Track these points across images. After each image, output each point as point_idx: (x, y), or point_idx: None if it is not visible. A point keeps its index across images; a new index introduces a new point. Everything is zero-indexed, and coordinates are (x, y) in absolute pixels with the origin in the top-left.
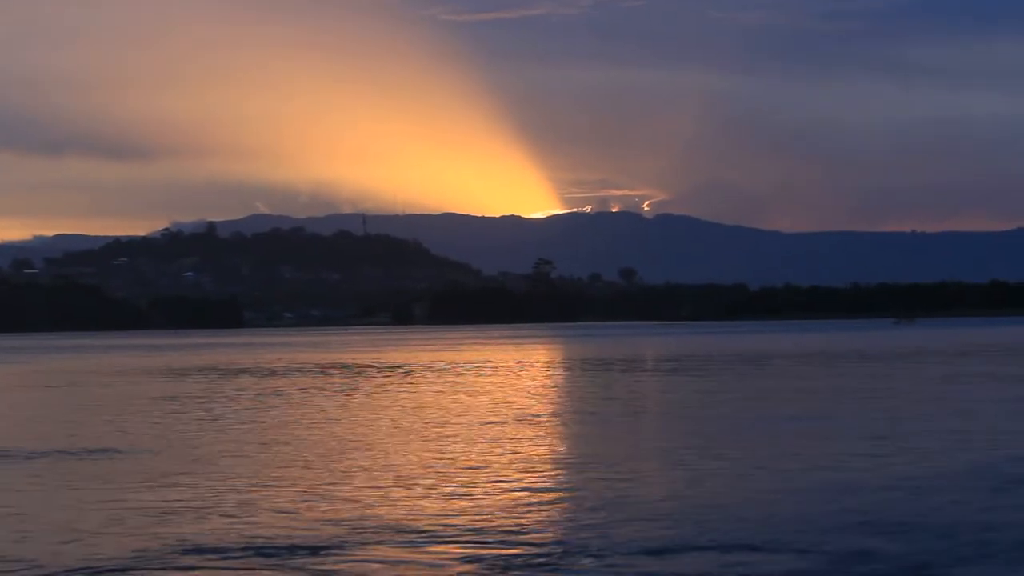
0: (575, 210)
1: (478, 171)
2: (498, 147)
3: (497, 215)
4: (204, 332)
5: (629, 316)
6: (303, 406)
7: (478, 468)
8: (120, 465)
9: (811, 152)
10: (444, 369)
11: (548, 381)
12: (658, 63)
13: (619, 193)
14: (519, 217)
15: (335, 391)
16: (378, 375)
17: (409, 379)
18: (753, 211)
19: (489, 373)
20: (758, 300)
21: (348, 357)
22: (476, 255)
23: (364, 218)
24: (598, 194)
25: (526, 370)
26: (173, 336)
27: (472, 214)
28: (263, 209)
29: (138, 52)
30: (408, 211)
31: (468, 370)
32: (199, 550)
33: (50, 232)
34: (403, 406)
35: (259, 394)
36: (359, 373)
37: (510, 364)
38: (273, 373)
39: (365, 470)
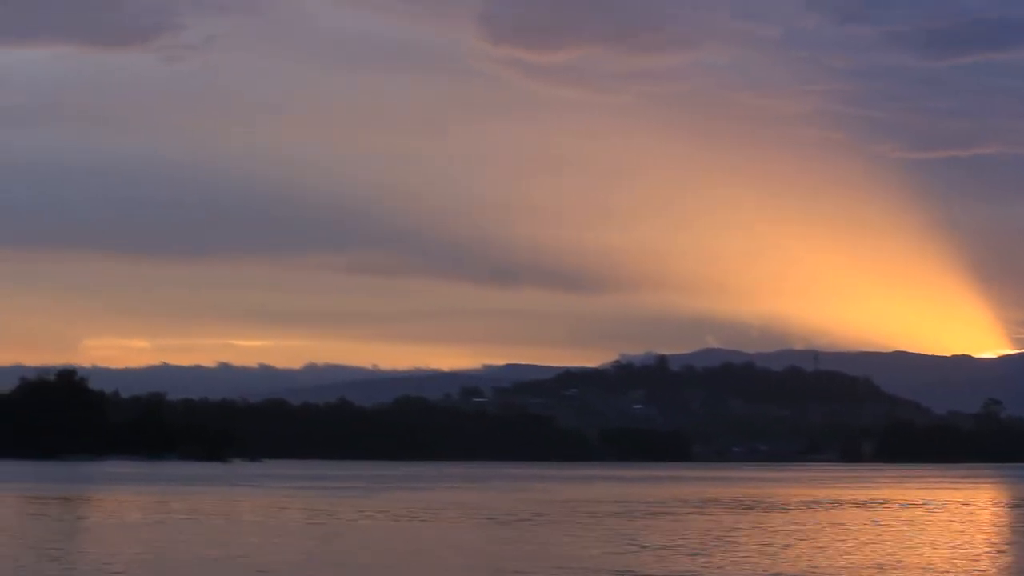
0: None
1: (928, 309)
2: (949, 285)
3: (947, 354)
4: (656, 465)
5: None
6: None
7: None
8: None
9: None
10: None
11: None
12: None
13: None
14: (969, 356)
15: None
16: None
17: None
18: None
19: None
20: None
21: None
22: (925, 393)
23: (816, 354)
24: None
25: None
26: (636, 469)
27: (922, 352)
28: (713, 343)
29: (591, 186)
30: (859, 348)
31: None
32: None
33: (500, 361)
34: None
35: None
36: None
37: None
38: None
39: None
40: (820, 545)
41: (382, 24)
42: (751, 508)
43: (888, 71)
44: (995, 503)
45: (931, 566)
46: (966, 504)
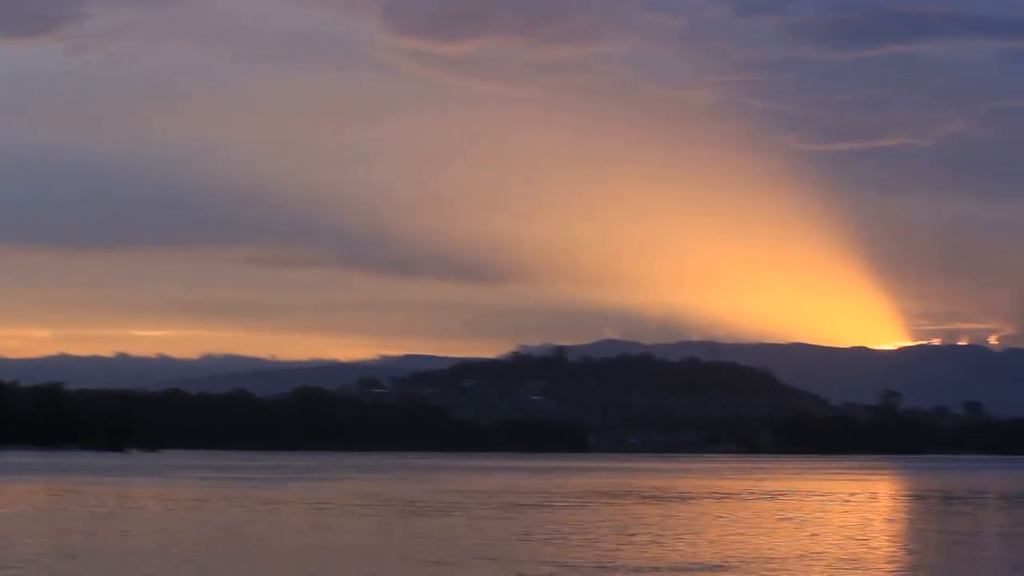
0: (923, 342)
1: (827, 301)
2: (848, 277)
3: (845, 346)
4: (554, 456)
5: (974, 450)
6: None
7: None
8: None
9: None
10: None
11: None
12: (1008, 197)
13: (967, 326)
14: (867, 348)
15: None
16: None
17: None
18: None
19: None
20: None
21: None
22: (823, 385)
23: (714, 346)
24: (946, 327)
25: (867, 503)
26: (535, 459)
27: (820, 344)
28: (611, 334)
29: (491, 178)
30: (757, 340)
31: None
32: None
33: (397, 352)
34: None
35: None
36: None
37: (846, 495)
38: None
39: None
40: (721, 535)
41: (287, 15)
42: (658, 499)
43: (793, 63)
44: (893, 495)
45: (827, 556)
46: (863, 495)
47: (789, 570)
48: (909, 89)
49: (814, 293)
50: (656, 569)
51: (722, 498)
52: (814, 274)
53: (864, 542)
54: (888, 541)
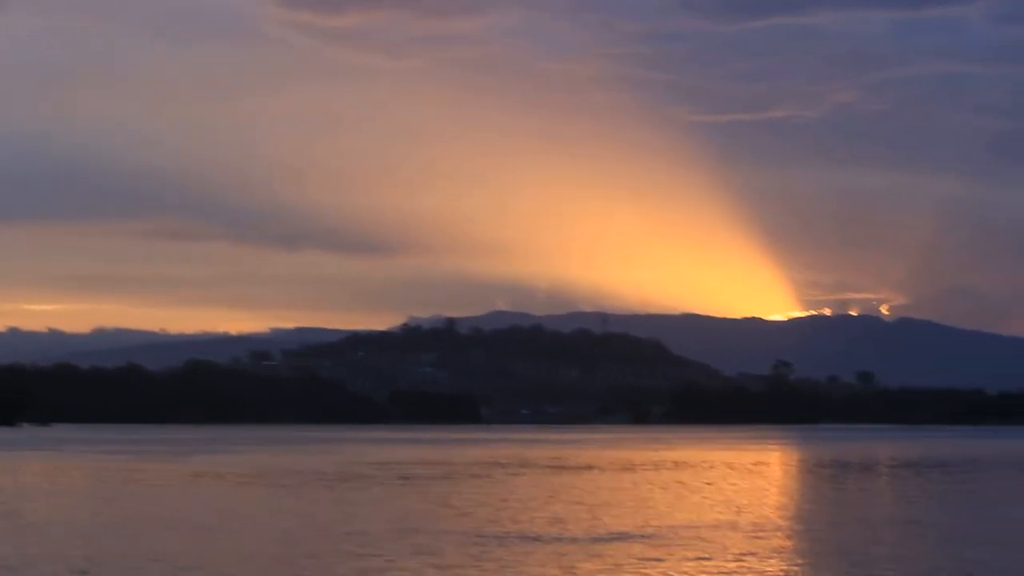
0: (814, 312)
1: (718, 272)
2: (739, 248)
3: (737, 316)
4: (447, 427)
5: (866, 419)
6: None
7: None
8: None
9: None
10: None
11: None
12: (898, 166)
13: (859, 296)
14: (759, 319)
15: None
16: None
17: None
18: (992, 315)
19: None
20: (997, 406)
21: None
22: (715, 356)
23: (605, 317)
24: (838, 297)
25: (758, 471)
26: (428, 431)
27: (712, 315)
28: (502, 306)
29: (381, 150)
30: (648, 311)
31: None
32: None
33: (288, 325)
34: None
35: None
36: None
37: (742, 465)
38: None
39: None
40: (638, 506)
41: None
42: (565, 470)
43: (682, 35)
44: (791, 464)
45: (740, 524)
46: (767, 464)
47: (706, 539)
48: (799, 60)
49: (705, 264)
50: (577, 540)
51: (629, 469)
52: (705, 245)
53: (773, 509)
54: (791, 508)
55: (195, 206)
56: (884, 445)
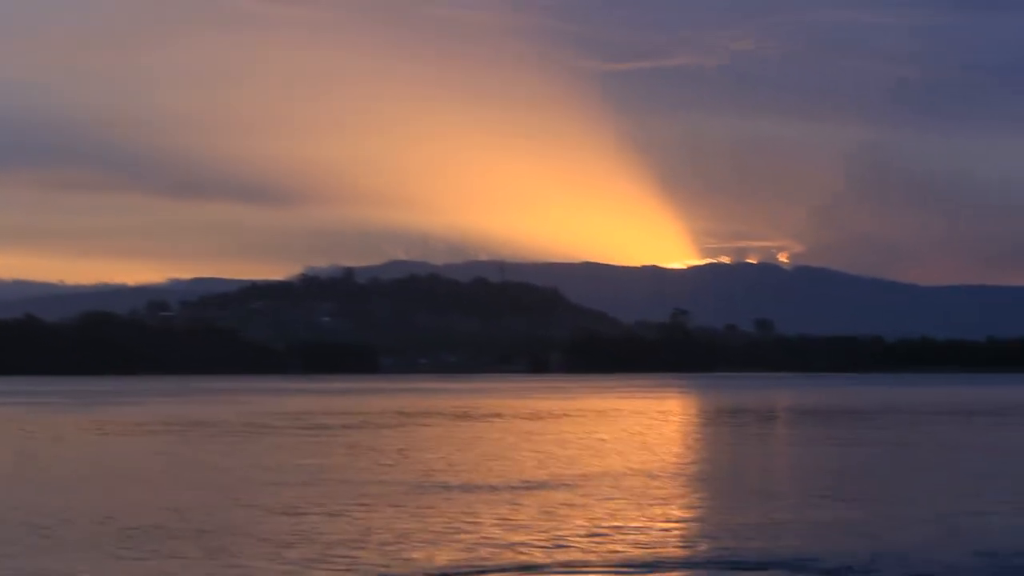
0: (713, 260)
1: (617, 221)
2: (637, 197)
3: (636, 265)
4: (347, 377)
5: (764, 367)
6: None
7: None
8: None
9: (948, 204)
10: (583, 416)
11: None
12: (797, 115)
13: (757, 244)
14: (657, 267)
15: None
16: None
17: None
18: (891, 263)
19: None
20: (894, 353)
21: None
22: (614, 304)
23: (502, 266)
24: (736, 245)
25: (656, 419)
26: (329, 381)
27: (611, 263)
28: (400, 255)
29: (281, 99)
30: (546, 259)
31: (606, 417)
32: None
33: (186, 276)
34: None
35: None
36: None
37: (639, 412)
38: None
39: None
40: (547, 454)
41: None
42: (472, 418)
43: None
44: (693, 411)
45: (621, 471)
46: (670, 412)
47: (624, 486)
48: (698, 8)
49: (603, 213)
50: (499, 489)
51: (539, 418)
52: (604, 194)
53: (677, 455)
54: (694, 454)
55: (93, 157)
56: (782, 392)
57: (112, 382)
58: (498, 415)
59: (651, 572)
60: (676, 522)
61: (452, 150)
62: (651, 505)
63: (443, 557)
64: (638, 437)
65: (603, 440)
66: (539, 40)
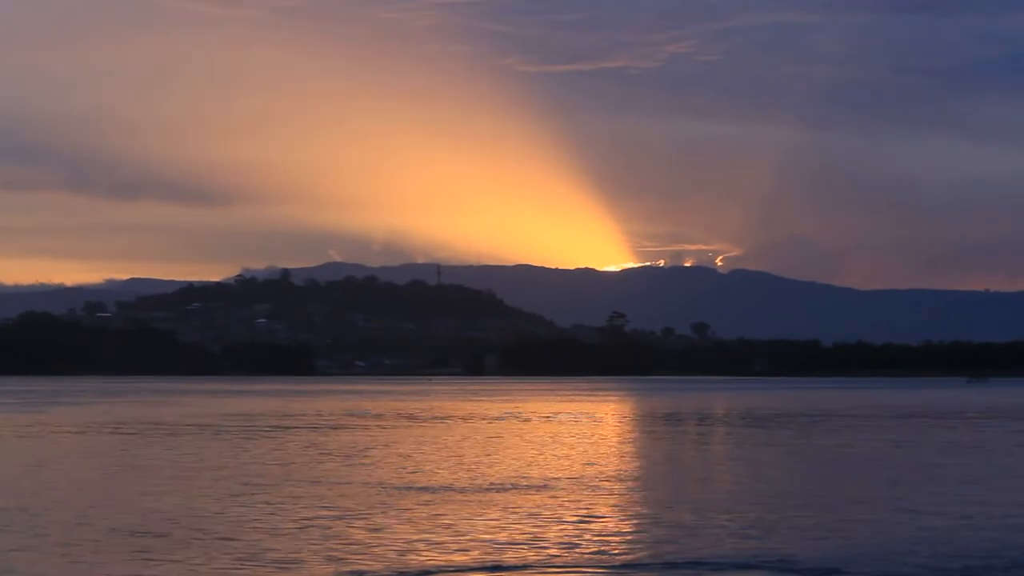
0: (649, 264)
1: (553, 223)
2: (573, 199)
3: (571, 267)
4: (283, 379)
5: (701, 371)
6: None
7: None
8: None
9: (886, 208)
10: (523, 419)
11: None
12: (733, 117)
13: (693, 247)
14: (593, 270)
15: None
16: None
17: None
18: (827, 267)
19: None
20: (831, 356)
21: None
22: (550, 307)
23: (439, 268)
24: (672, 248)
25: (595, 424)
26: (265, 383)
27: (546, 266)
28: (336, 257)
29: (217, 100)
30: (482, 262)
31: (545, 422)
32: None
33: (123, 276)
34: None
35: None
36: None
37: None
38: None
39: None
40: (458, 456)
41: None
42: (418, 420)
43: None
44: (633, 415)
45: (558, 476)
46: (611, 416)
47: (566, 489)
48: (633, 10)
49: (539, 215)
50: (462, 491)
51: (475, 420)
52: (539, 196)
53: (619, 460)
54: (636, 459)
55: (30, 156)
56: (719, 397)
57: (50, 382)
58: (443, 417)
59: (625, 570)
60: (642, 523)
61: (389, 151)
62: (614, 508)
63: (415, 559)
64: (588, 440)
65: (554, 443)
66: (476, 42)
